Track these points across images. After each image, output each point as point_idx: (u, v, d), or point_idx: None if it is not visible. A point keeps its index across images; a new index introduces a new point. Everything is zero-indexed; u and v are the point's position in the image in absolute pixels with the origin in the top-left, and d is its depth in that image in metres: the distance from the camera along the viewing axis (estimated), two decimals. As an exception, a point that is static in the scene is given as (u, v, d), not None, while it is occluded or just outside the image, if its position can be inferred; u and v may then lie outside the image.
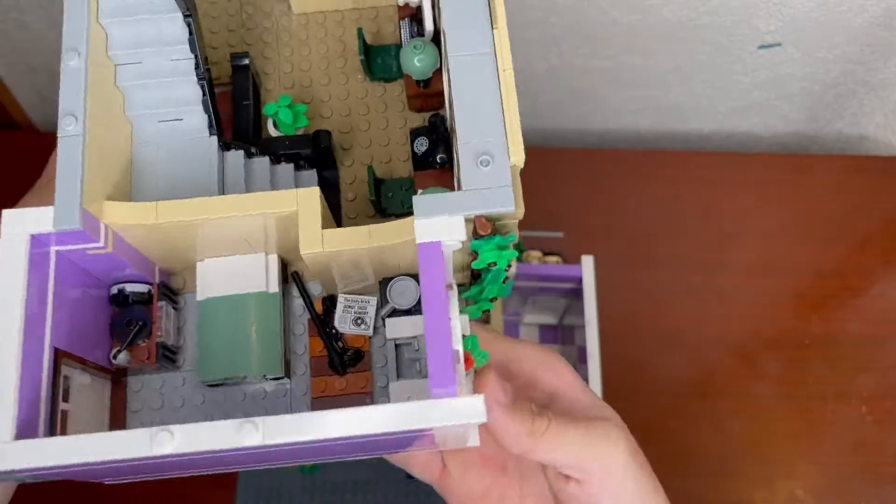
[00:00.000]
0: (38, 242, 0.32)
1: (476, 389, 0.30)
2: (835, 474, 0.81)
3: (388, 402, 0.37)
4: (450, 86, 0.36)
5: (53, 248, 0.33)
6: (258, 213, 0.34)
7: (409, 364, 0.38)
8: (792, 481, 0.80)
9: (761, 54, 0.90)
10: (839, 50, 0.89)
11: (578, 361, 0.75)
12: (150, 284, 0.38)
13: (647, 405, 0.82)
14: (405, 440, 0.34)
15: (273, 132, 0.42)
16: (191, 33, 0.37)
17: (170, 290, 0.39)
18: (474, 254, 0.34)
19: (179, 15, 0.37)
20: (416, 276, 0.37)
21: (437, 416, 0.28)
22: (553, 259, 0.84)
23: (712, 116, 1.01)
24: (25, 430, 0.30)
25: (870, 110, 0.99)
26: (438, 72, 0.41)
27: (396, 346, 0.38)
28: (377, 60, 0.44)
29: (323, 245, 0.34)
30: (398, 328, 0.37)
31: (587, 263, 0.74)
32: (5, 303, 0.30)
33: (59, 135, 0.32)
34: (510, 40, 0.35)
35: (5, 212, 0.31)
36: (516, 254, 0.34)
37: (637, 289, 0.86)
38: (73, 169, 0.32)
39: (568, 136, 1.02)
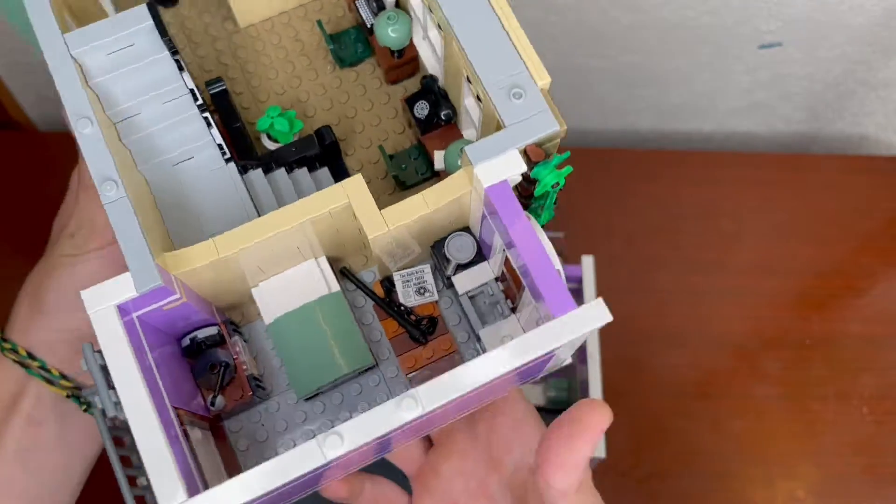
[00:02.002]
0: (123, 312, 0.32)
1: (585, 417, 0.32)
2: (835, 474, 0.80)
3: (479, 353, 0.39)
4: (433, 45, 0.37)
5: (135, 315, 0.33)
6: (313, 217, 0.34)
7: (489, 310, 0.40)
8: (792, 481, 0.80)
9: (761, 54, 0.90)
10: (840, 49, 0.89)
11: (578, 361, 0.75)
12: (216, 325, 0.38)
13: (647, 405, 0.82)
14: (535, 368, 0.35)
15: (270, 145, 0.42)
16: (181, 69, 0.37)
17: (234, 325, 0.40)
18: (533, 183, 0.35)
19: (166, 54, 0.37)
20: (463, 230, 0.39)
21: (570, 329, 0.30)
22: (553, 259, 0.83)
23: (712, 116, 1.01)
24: (192, 489, 0.30)
25: (870, 110, 0.99)
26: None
27: (470, 298, 0.39)
28: (342, 47, 0.44)
29: (387, 224, 0.34)
30: (467, 281, 0.39)
31: (587, 263, 0.74)
32: (126, 375, 0.31)
33: (104, 203, 0.32)
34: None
35: (84, 294, 0.32)
36: (571, 169, 0.35)
37: (637, 289, 0.86)
38: (132, 231, 0.32)
39: (568, 136, 1.02)
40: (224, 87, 0.42)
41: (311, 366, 0.38)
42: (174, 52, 0.37)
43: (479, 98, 0.36)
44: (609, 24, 0.85)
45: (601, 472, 0.67)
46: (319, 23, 0.44)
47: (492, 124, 0.36)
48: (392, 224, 0.34)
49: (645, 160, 0.94)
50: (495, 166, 0.33)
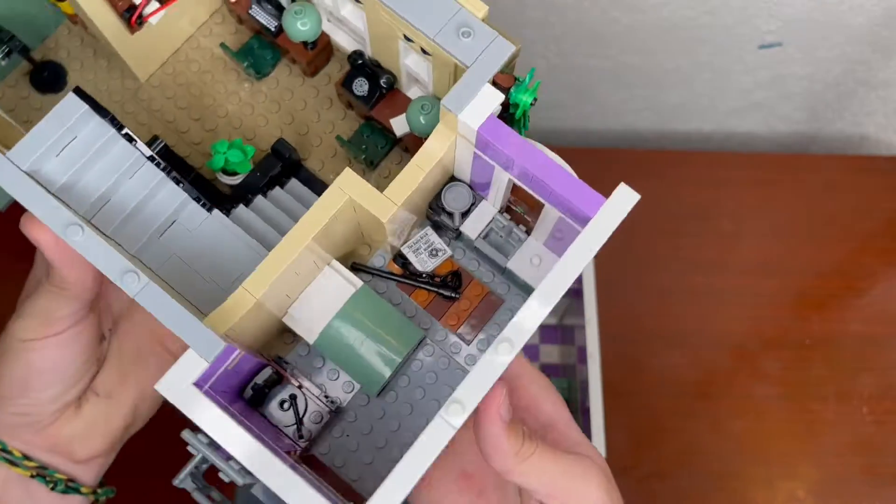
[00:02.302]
0: (199, 387, 0.32)
1: (485, 399, 0.32)
2: (835, 474, 0.80)
3: (509, 286, 0.41)
4: (348, 23, 0.39)
5: (207, 387, 0.33)
6: (321, 228, 0.34)
7: (505, 242, 0.41)
8: (792, 481, 0.80)
9: (762, 54, 0.90)
10: (839, 49, 0.89)
11: (578, 361, 0.75)
12: (267, 366, 0.38)
13: (647, 405, 0.82)
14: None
15: (229, 180, 0.42)
16: (132, 140, 0.37)
17: (279, 359, 0.40)
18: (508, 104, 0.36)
19: (113, 132, 0.36)
20: (450, 181, 0.40)
21: (608, 221, 0.33)
22: (553, 259, 0.83)
23: (712, 116, 1.01)
24: None
25: (870, 110, 0.99)
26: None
27: (485, 237, 0.40)
28: (251, 60, 0.44)
29: (394, 202, 0.35)
30: (475, 225, 0.40)
31: (587, 263, 0.74)
32: (241, 441, 0.31)
33: (134, 296, 0.32)
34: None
35: (160, 386, 0.32)
36: (539, 82, 0.36)
37: (637, 289, 0.86)
38: (173, 309, 0.32)
39: (568, 136, 1.02)
40: (164, 143, 0.42)
41: (371, 363, 0.38)
42: (119, 127, 0.36)
43: (424, 51, 0.36)
44: (609, 24, 0.85)
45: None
46: (223, 45, 0.44)
47: (446, 71, 0.36)
48: (399, 200, 0.35)
49: (645, 160, 0.94)
50: (477, 106, 0.33)
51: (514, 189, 0.37)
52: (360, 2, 0.38)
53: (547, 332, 0.85)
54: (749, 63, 0.91)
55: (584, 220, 0.33)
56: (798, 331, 0.86)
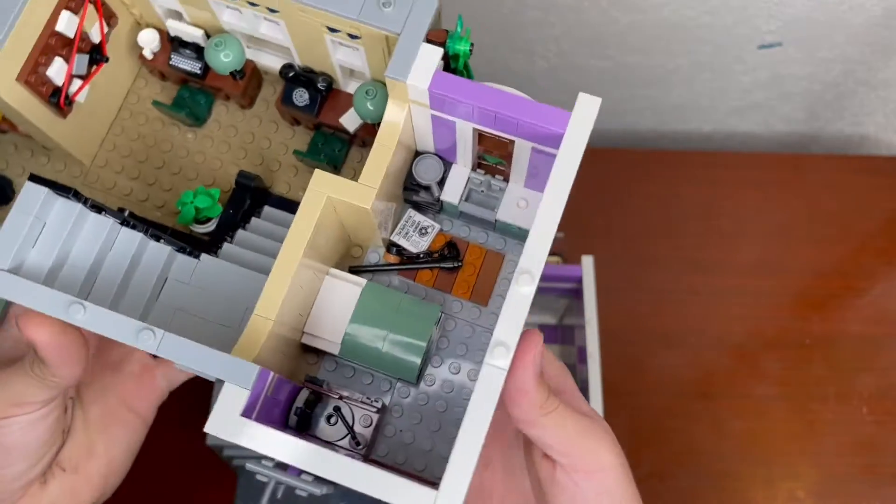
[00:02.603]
0: (246, 416, 0.32)
1: (521, 345, 0.32)
2: (835, 474, 0.81)
3: (505, 240, 0.42)
4: (269, 38, 0.40)
5: (253, 417, 0.33)
6: (311, 234, 0.34)
7: (487, 196, 0.41)
8: (792, 481, 0.80)
9: (761, 54, 0.90)
10: (839, 49, 0.89)
11: (578, 361, 0.75)
12: (302, 388, 0.38)
13: (647, 405, 0.82)
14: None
15: (203, 228, 0.42)
16: (100, 210, 0.37)
17: (310, 378, 0.40)
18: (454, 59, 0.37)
19: (79, 207, 0.36)
20: (416, 157, 0.40)
21: (580, 132, 0.34)
22: (553, 259, 0.83)
23: (712, 116, 1.01)
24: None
25: (870, 110, 0.99)
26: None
27: (467, 198, 0.41)
28: (187, 109, 0.44)
29: (372, 186, 0.35)
30: (454, 190, 0.41)
31: (587, 263, 0.74)
32: (314, 453, 0.31)
33: (155, 351, 0.32)
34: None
35: (208, 428, 0.31)
36: (469, 28, 0.37)
37: (637, 289, 0.86)
38: (198, 353, 0.32)
39: (568, 136, 1.02)
40: (129, 213, 0.42)
41: (399, 356, 0.38)
42: (84, 200, 0.36)
43: (352, 36, 0.37)
44: (609, 24, 0.85)
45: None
46: (155, 102, 0.44)
47: (379, 48, 0.37)
48: (375, 183, 0.35)
49: (645, 160, 0.94)
50: (420, 67, 0.34)
51: (481, 139, 0.38)
52: (275, 11, 0.38)
53: (547, 331, 0.85)
54: (749, 63, 0.91)
55: (556, 140, 0.34)
56: (798, 331, 0.86)
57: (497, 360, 0.30)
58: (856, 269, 0.89)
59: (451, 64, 0.36)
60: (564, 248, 0.83)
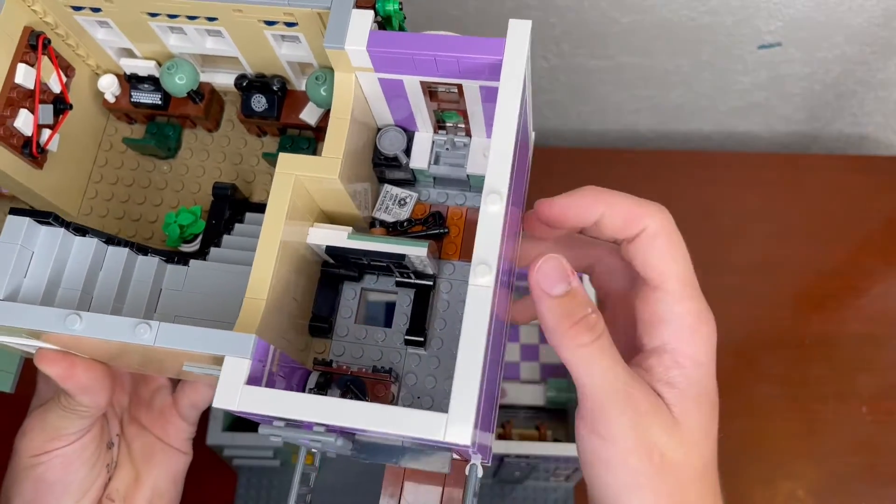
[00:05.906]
0: (255, 381, 0.32)
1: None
2: (835, 474, 0.81)
3: (479, 188, 0.42)
4: (217, 51, 0.41)
5: (264, 381, 0.33)
6: (291, 202, 0.35)
7: (454, 154, 0.42)
8: (792, 481, 0.80)
9: (761, 54, 0.90)
10: (839, 50, 0.89)
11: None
12: (311, 371, 0.39)
13: (647, 405, 0.82)
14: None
15: (190, 248, 0.43)
16: (84, 232, 0.37)
17: (318, 361, 0.40)
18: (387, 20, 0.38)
19: (62, 231, 0.37)
20: (382, 128, 0.42)
21: (517, 57, 0.34)
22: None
23: (712, 116, 1.01)
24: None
25: (870, 110, 0.99)
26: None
27: (436, 161, 0.42)
28: (155, 143, 0.45)
29: (336, 156, 0.36)
30: (421, 157, 0.41)
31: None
32: (321, 403, 0.31)
33: (153, 343, 0.32)
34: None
35: (216, 403, 0.31)
36: None
37: (637, 289, 0.86)
38: (194, 333, 0.32)
39: (568, 136, 1.02)
40: (109, 235, 0.42)
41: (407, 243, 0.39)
42: (66, 224, 0.37)
43: (289, 24, 0.38)
44: (609, 24, 0.85)
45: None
46: (125, 140, 0.45)
47: (317, 28, 0.38)
48: (338, 154, 0.36)
49: (645, 160, 0.94)
50: (355, 32, 0.35)
51: (432, 96, 0.38)
52: (213, 19, 0.39)
53: (547, 331, 0.84)
54: (749, 63, 0.91)
55: (497, 69, 0.34)
56: (798, 331, 0.86)
57: (479, 279, 0.31)
58: (855, 269, 0.89)
59: (386, 28, 0.37)
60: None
